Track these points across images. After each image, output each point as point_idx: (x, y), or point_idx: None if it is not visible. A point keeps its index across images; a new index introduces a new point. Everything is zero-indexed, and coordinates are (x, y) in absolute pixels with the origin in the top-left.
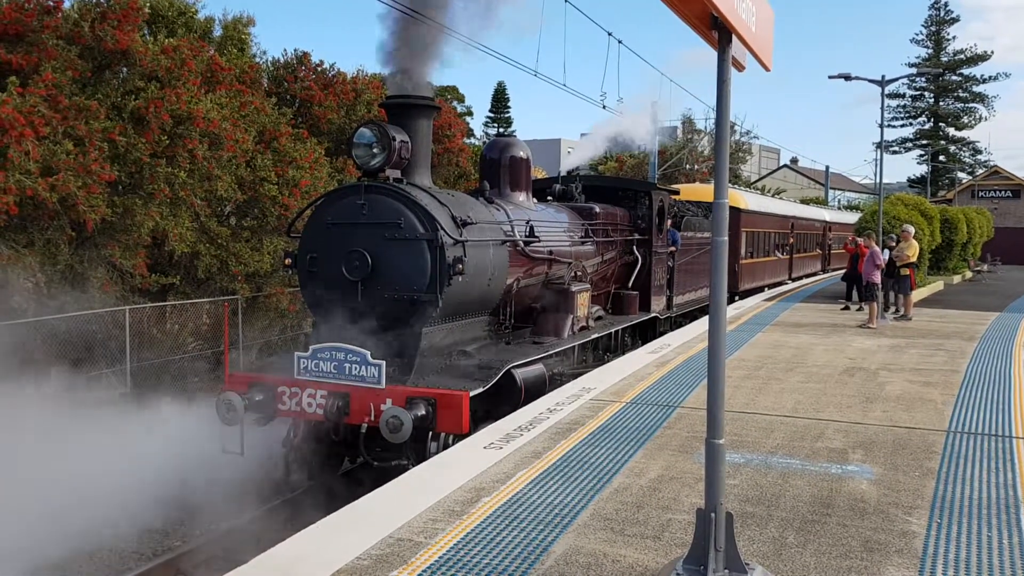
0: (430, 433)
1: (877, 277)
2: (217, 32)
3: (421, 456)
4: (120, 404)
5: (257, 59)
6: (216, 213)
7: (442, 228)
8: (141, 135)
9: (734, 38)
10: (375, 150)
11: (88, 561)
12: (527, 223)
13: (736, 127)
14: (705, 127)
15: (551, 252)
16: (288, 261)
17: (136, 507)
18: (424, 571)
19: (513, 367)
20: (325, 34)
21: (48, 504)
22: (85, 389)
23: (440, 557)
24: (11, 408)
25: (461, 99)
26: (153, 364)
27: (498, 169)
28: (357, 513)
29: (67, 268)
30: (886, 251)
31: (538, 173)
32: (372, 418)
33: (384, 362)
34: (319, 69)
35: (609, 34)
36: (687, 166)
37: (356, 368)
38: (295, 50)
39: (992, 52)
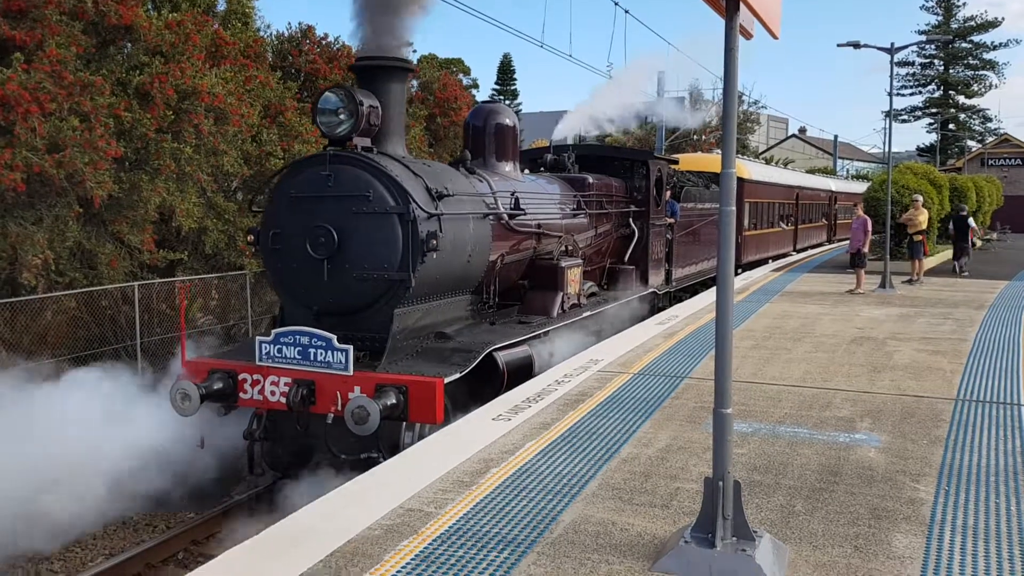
0: (404, 423)
1: (866, 246)
2: (221, 6)
3: (394, 448)
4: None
5: (261, 33)
6: (223, 188)
7: (414, 201)
8: (146, 110)
9: (742, 5)
10: (341, 116)
11: (103, 534)
12: (512, 195)
13: (744, 97)
14: (712, 97)
15: (539, 225)
16: (251, 238)
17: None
18: (434, 540)
19: (495, 350)
20: (329, 7)
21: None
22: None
23: (450, 527)
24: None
25: (467, 71)
26: (164, 340)
27: (483, 137)
28: (367, 484)
29: (76, 245)
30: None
31: (542, 144)
32: (339, 407)
33: (352, 347)
34: (324, 42)
35: (615, 3)
36: (694, 136)
37: (322, 353)
38: (299, 23)
39: (1003, 19)
